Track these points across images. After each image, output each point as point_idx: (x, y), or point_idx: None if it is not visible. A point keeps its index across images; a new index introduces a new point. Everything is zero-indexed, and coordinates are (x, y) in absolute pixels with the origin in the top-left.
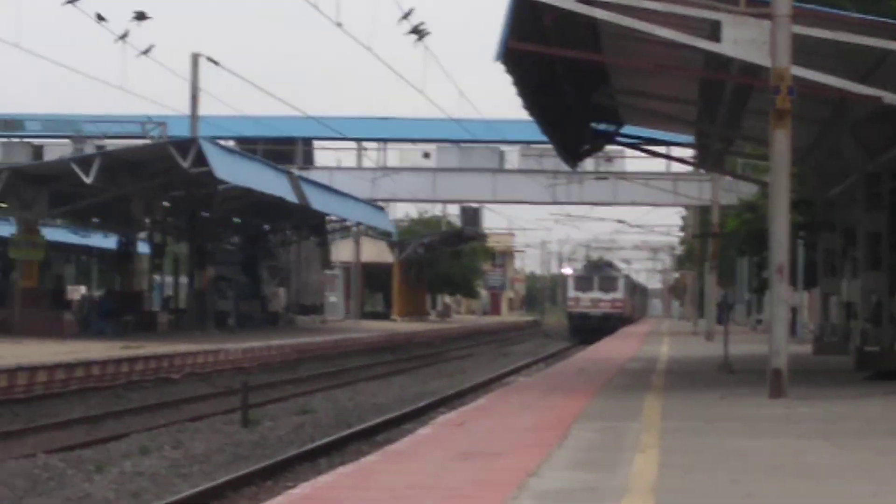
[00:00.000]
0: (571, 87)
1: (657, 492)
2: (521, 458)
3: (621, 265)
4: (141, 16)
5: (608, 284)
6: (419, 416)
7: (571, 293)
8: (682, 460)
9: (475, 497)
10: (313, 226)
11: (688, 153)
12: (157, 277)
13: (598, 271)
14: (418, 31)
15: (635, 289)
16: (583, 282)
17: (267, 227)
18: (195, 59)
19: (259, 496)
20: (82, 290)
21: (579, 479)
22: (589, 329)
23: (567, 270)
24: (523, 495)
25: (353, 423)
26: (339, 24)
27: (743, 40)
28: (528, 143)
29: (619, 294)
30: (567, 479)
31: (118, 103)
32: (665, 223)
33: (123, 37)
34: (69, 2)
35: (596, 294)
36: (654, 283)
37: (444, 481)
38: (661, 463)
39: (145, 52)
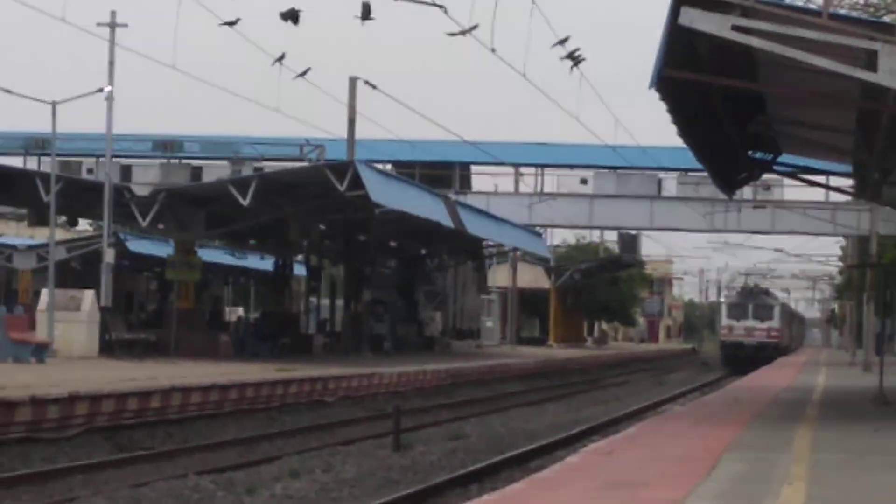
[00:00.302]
0: (727, 115)
1: None
2: (668, 489)
3: (779, 294)
4: (366, 13)
5: (764, 312)
6: (572, 443)
7: (724, 321)
8: (830, 493)
9: None
10: (470, 250)
11: (846, 182)
12: (313, 300)
13: (752, 298)
14: (573, 58)
15: (792, 317)
16: (737, 309)
17: (424, 251)
18: (353, 82)
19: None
20: (240, 311)
21: None
22: (742, 359)
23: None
24: None
25: (505, 450)
26: (493, 50)
27: None
28: (686, 170)
29: (774, 323)
30: None
31: (273, 126)
32: (824, 252)
33: (280, 59)
34: (226, 23)
35: (750, 322)
36: (812, 312)
37: None
38: (809, 495)
39: (302, 74)
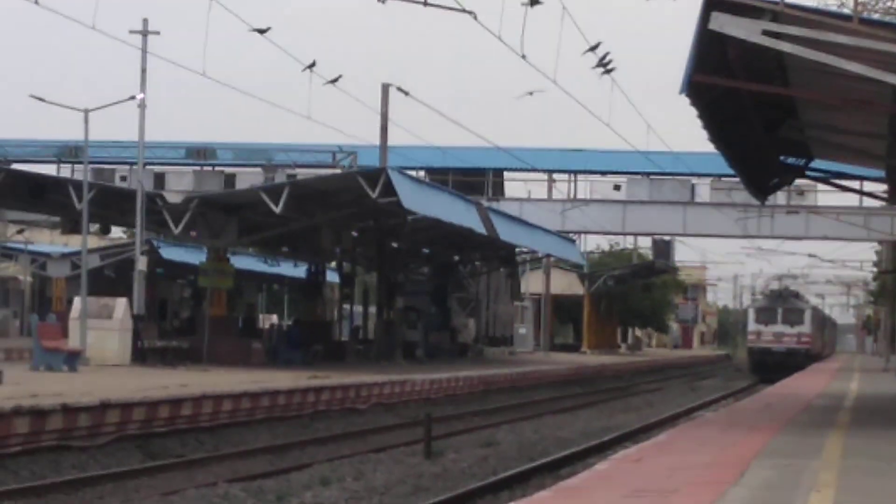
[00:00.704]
0: (758, 120)
1: None
2: (695, 497)
3: (812, 298)
4: None
5: (794, 317)
6: (603, 450)
7: (752, 326)
8: (857, 500)
9: None
10: (503, 257)
11: (880, 188)
12: (346, 307)
13: (782, 302)
14: (604, 64)
15: (824, 322)
16: (765, 313)
17: (456, 257)
18: (385, 89)
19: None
20: (274, 318)
21: None
22: (771, 366)
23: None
24: None
25: (536, 457)
26: (523, 56)
27: None
28: (719, 176)
29: (805, 328)
30: None
31: (305, 132)
32: (859, 258)
33: (311, 66)
34: (256, 31)
35: (779, 328)
36: (847, 318)
37: None
38: (836, 502)
39: (333, 81)
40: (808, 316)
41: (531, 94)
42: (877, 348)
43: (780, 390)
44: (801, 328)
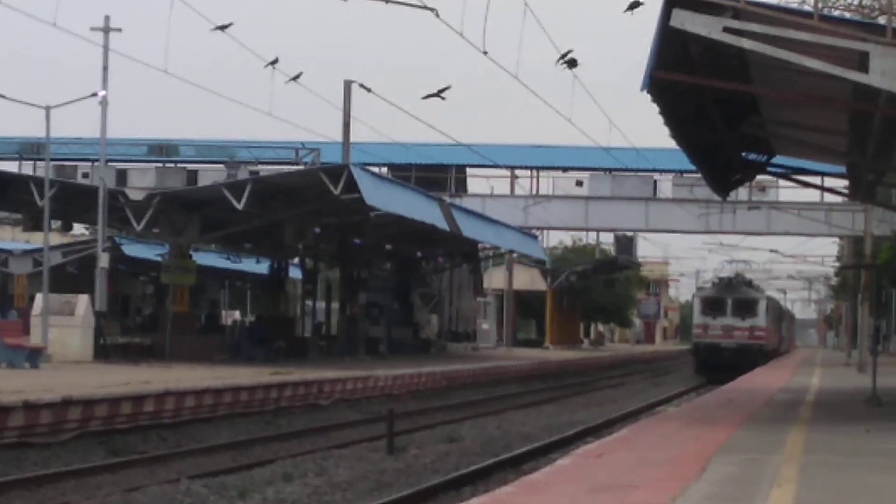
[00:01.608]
0: (720, 117)
1: None
2: (656, 492)
3: (774, 293)
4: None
5: (745, 308)
6: (566, 445)
7: (698, 318)
8: (818, 496)
9: None
10: (466, 253)
11: (840, 183)
12: (308, 303)
13: (731, 291)
14: (568, 61)
15: (782, 315)
16: (712, 304)
17: (419, 253)
18: (347, 85)
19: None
20: (237, 314)
21: None
22: (719, 365)
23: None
24: None
25: (499, 452)
26: (485, 53)
27: (891, 71)
28: (681, 172)
29: (759, 320)
30: None
31: (267, 129)
32: (820, 253)
33: (273, 63)
34: (218, 28)
35: (729, 320)
36: (809, 313)
37: None
38: (797, 498)
39: (295, 78)
40: (761, 307)
41: (441, 93)
42: (838, 343)
43: (742, 385)
44: (753, 321)
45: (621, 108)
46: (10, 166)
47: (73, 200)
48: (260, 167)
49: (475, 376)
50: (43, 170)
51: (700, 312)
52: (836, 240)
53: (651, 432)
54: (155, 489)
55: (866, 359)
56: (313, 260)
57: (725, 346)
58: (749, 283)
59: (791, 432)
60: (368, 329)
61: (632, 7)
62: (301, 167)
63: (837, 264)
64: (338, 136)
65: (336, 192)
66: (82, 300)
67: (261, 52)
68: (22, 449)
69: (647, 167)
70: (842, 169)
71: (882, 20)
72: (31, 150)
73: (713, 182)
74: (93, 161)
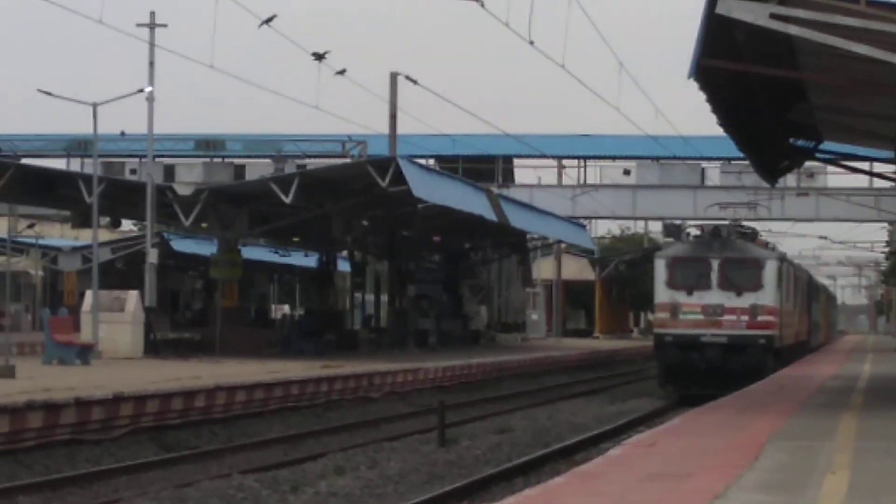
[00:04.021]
0: (767, 103)
1: None
2: (710, 480)
3: (824, 280)
4: None
5: (742, 274)
6: (617, 434)
7: (662, 293)
8: (873, 482)
9: None
10: (514, 243)
11: (889, 168)
12: (357, 296)
13: (719, 247)
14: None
15: (812, 291)
16: (686, 269)
17: (467, 245)
18: (394, 78)
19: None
20: (286, 308)
21: (765, 502)
22: (698, 372)
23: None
24: None
25: (550, 443)
26: (531, 43)
27: None
28: (729, 159)
29: (765, 296)
30: (754, 501)
31: (314, 122)
32: (870, 238)
33: (321, 57)
34: (263, 23)
35: (715, 296)
36: (860, 299)
37: None
38: (852, 484)
39: (340, 72)
40: (769, 273)
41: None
42: (889, 328)
43: (794, 372)
44: (756, 297)
45: (668, 95)
46: (59, 164)
47: (122, 197)
48: (307, 161)
49: (525, 367)
50: (91, 166)
51: (666, 284)
52: (886, 225)
53: (703, 421)
54: (207, 484)
55: None
56: (361, 253)
57: (708, 340)
58: (750, 235)
59: (843, 419)
60: (418, 321)
61: None
62: (348, 160)
63: (887, 250)
64: (384, 129)
65: (383, 184)
66: (132, 296)
67: (307, 46)
68: (74, 446)
69: (694, 155)
70: (891, 154)
71: None
72: (78, 147)
73: (761, 169)
74: (140, 157)
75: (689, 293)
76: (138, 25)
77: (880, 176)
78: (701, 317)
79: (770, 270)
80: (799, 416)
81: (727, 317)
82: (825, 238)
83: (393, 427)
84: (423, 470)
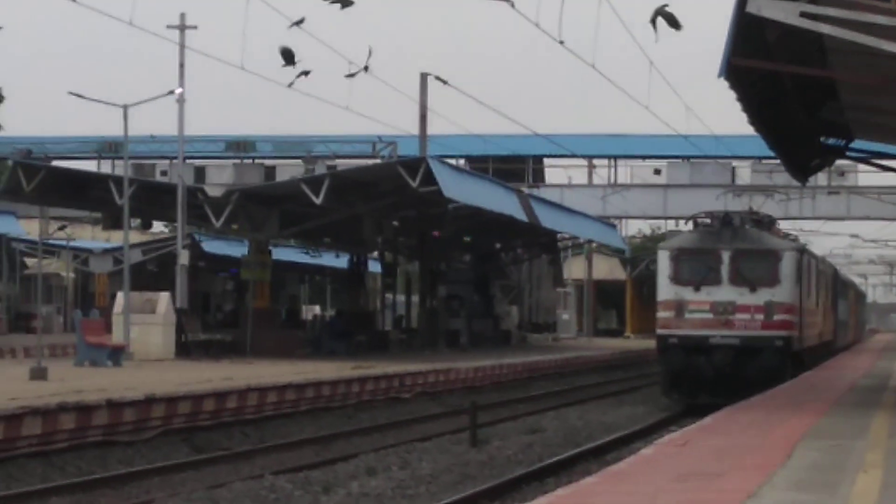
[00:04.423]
0: (798, 102)
1: None
2: (742, 479)
3: (855, 279)
4: None
5: (757, 268)
6: (649, 434)
7: (666, 290)
8: None
9: None
10: (544, 244)
11: None
12: (388, 296)
13: (730, 238)
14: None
15: (838, 286)
16: (693, 263)
17: (498, 245)
18: (424, 78)
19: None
20: (317, 309)
21: (798, 501)
22: (707, 378)
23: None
24: None
25: (582, 443)
26: (561, 42)
27: None
28: (759, 158)
29: (782, 292)
30: (786, 500)
31: (344, 123)
32: None
33: (355, 72)
34: (295, 24)
35: (725, 293)
36: (892, 297)
37: (661, 503)
38: (885, 483)
39: (365, 68)
40: (786, 266)
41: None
42: None
43: (825, 372)
44: (773, 293)
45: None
46: (89, 165)
47: (152, 198)
48: (337, 161)
49: (556, 367)
50: (121, 168)
51: (670, 279)
52: None
53: (735, 420)
54: (239, 485)
55: None
56: (392, 253)
57: (718, 342)
58: (766, 223)
59: (876, 417)
60: (449, 321)
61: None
62: (378, 161)
63: None
64: (415, 129)
65: (414, 184)
66: (163, 298)
67: (337, 47)
68: (106, 447)
69: (725, 154)
70: None
71: None
72: (109, 148)
73: (792, 167)
74: (171, 159)
75: (697, 289)
76: (168, 27)
77: None
78: (709, 316)
79: (788, 263)
80: (831, 415)
81: (739, 315)
82: (856, 236)
83: (424, 427)
84: (454, 470)
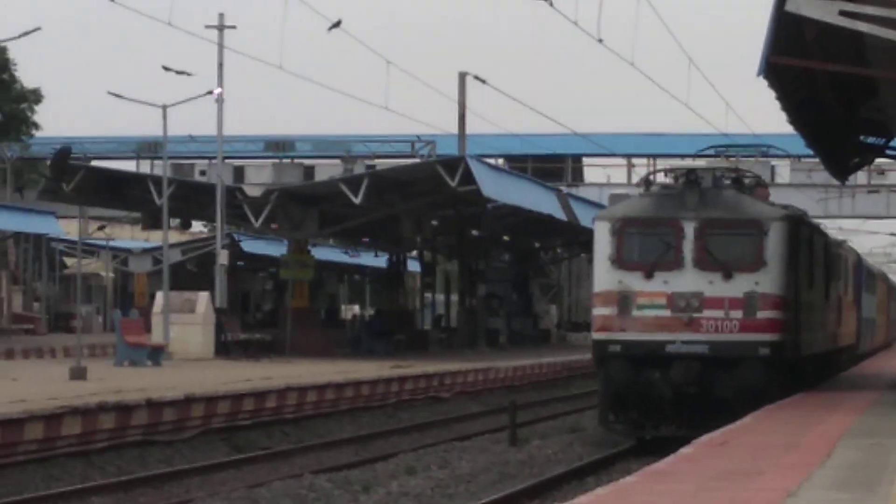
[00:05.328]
0: (837, 100)
1: None
2: (781, 478)
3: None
4: None
5: (734, 247)
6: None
7: (605, 279)
8: None
9: None
10: (584, 242)
11: None
12: (427, 296)
13: (695, 204)
14: None
15: (864, 278)
16: (644, 240)
17: (537, 244)
18: (462, 77)
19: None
20: (356, 308)
21: (838, 500)
22: (663, 401)
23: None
24: None
25: (621, 442)
26: (600, 41)
27: None
28: (799, 157)
29: (771, 280)
30: (826, 499)
31: (383, 123)
32: None
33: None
34: (333, 27)
35: (688, 280)
36: None
37: (700, 502)
38: None
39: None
40: (775, 241)
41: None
42: None
43: (863, 369)
44: (754, 280)
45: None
46: (128, 165)
47: (192, 198)
48: (376, 161)
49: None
50: (160, 168)
51: (612, 262)
52: None
53: (774, 419)
54: (279, 485)
55: None
56: (431, 252)
57: (678, 350)
58: (747, 184)
59: None
60: (488, 320)
61: None
62: (417, 160)
63: None
64: (453, 129)
65: (453, 184)
66: (202, 297)
67: (375, 47)
68: (146, 447)
69: (765, 152)
70: None
71: None
72: (148, 149)
73: (831, 166)
74: (210, 158)
75: (648, 276)
76: (207, 27)
77: None
78: (666, 313)
79: (776, 238)
80: (871, 414)
81: (708, 312)
82: None
83: (464, 426)
84: (493, 469)
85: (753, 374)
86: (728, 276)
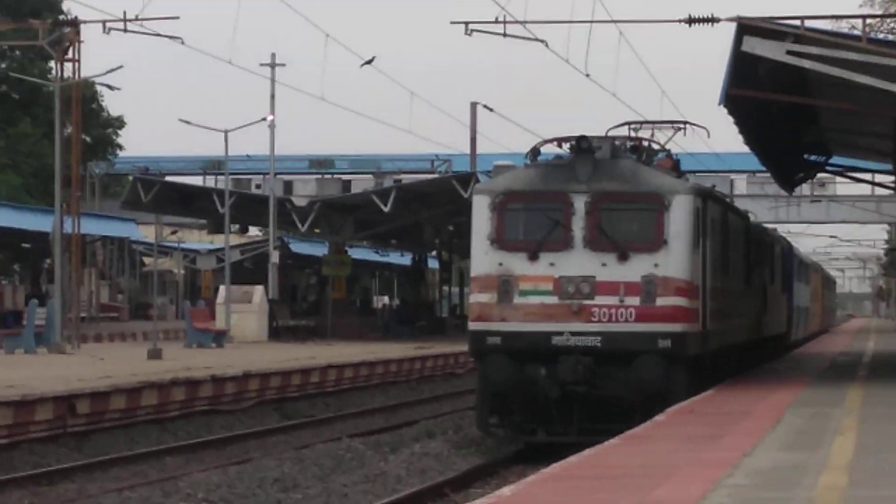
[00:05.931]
0: (785, 125)
1: (851, 469)
2: (740, 441)
3: (833, 273)
4: None
5: (631, 224)
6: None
7: (483, 261)
8: (876, 442)
9: (697, 475)
10: None
11: (888, 178)
12: (445, 289)
13: (587, 175)
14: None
15: (794, 266)
16: (528, 216)
17: None
18: (473, 106)
19: (526, 472)
20: (385, 300)
21: (786, 459)
22: (548, 402)
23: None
24: (738, 472)
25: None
26: (587, 75)
27: None
28: (754, 172)
29: (671, 261)
30: (776, 458)
31: (407, 144)
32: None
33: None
34: (366, 63)
35: (578, 262)
36: (864, 287)
37: (672, 461)
38: (858, 444)
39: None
40: (679, 216)
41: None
42: (889, 313)
43: (809, 350)
44: (654, 261)
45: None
46: (196, 180)
47: (248, 208)
48: (402, 176)
49: None
50: (223, 183)
51: (490, 241)
52: (886, 226)
53: (734, 392)
54: (321, 447)
55: None
56: (448, 252)
57: (566, 342)
58: (646, 153)
59: (851, 389)
60: None
61: None
62: (436, 175)
63: (887, 246)
64: (466, 149)
65: (465, 195)
66: (258, 290)
67: (401, 80)
68: (211, 415)
69: (724, 168)
70: (889, 166)
71: None
72: (212, 166)
73: (780, 179)
74: (264, 174)
75: (533, 257)
76: (261, 65)
77: (881, 185)
78: (553, 300)
79: (680, 214)
80: (814, 387)
81: (601, 299)
82: (835, 237)
83: (474, 398)
84: None
85: (652, 370)
86: (623, 257)
